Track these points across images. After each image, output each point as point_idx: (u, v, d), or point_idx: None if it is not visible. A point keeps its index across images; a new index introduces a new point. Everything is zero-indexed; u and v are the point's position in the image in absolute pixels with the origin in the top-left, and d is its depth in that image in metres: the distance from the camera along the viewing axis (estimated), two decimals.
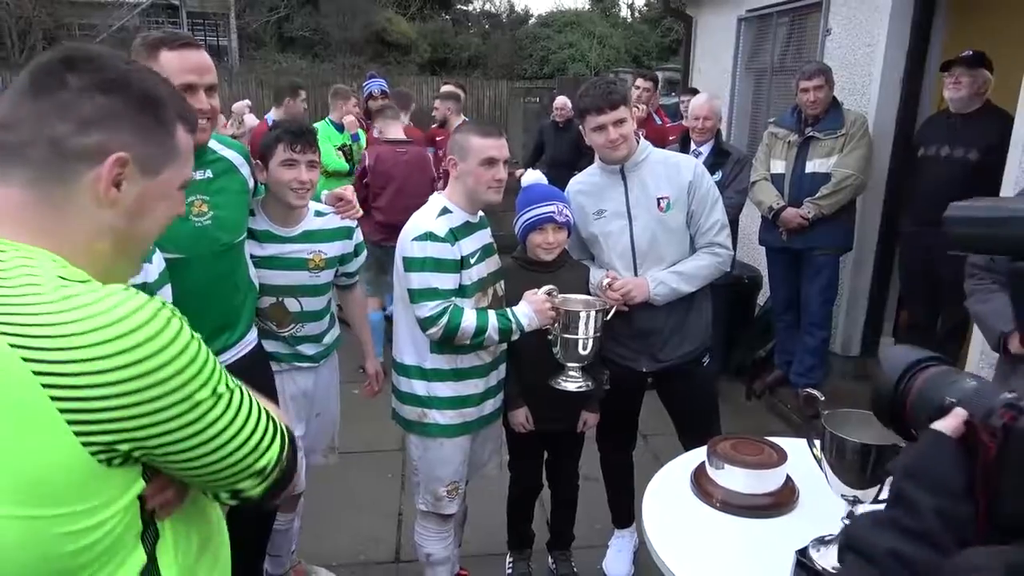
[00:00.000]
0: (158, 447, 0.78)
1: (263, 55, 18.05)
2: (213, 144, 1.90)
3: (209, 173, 1.86)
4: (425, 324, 1.99)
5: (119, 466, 0.76)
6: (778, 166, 3.75)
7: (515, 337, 2.06)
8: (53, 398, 0.70)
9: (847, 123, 3.57)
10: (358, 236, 2.33)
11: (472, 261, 2.06)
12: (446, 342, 2.03)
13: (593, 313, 2.05)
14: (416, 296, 1.99)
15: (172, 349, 0.76)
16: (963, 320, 3.43)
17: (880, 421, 0.90)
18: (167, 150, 0.87)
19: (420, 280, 1.98)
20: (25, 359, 0.70)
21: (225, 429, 0.82)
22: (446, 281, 2.00)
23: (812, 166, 3.62)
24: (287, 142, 2.03)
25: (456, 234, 2.02)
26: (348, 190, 2.30)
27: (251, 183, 2.03)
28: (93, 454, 0.73)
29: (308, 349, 2.25)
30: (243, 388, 0.88)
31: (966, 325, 3.40)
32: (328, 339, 2.32)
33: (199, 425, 0.79)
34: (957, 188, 3.33)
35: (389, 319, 4.92)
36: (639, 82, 4.99)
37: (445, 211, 2.04)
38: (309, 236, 2.17)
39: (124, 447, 0.76)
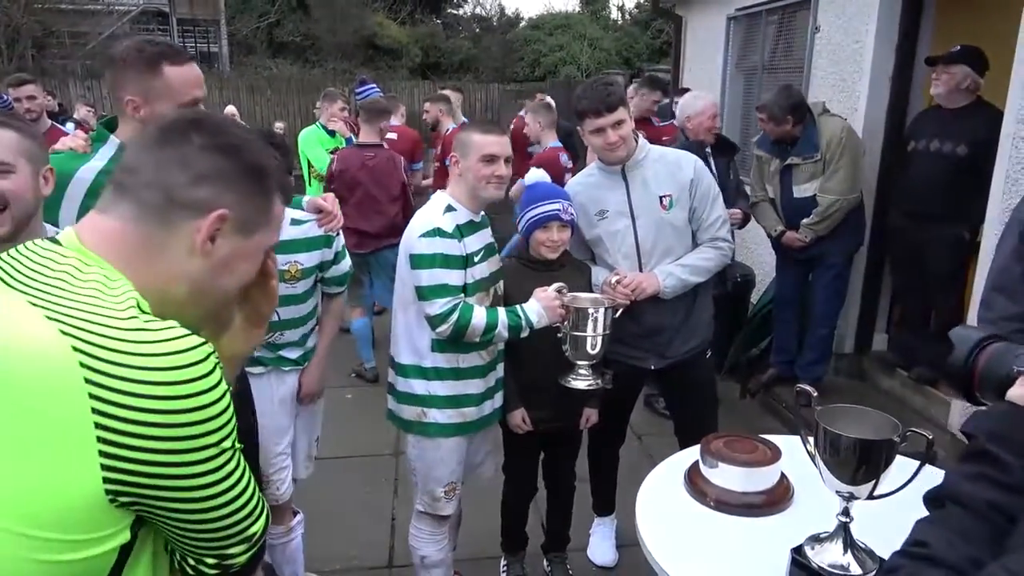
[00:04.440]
0: (169, 492, 0.77)
1: (254, 61, 18.02)
2: None
3: None
4: (435, 321, 1.98)
5: (120, 507, 0.76)
6: (770, 190, 3.78)
7: (524, 334, 2.06)
8: (95, 411, 0.71)
9: (823, 143, 3.54)
10: (339, 243, 2.24)
11: (476, 260, 2.06)
12: (455, 339, 2.01)
13: (603, 311, 2.06)
14: (427, 293, 1.98)
15: (212, 394, 0.77)
16: (955, 314, 3.43)
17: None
18: (264, 216, 0.93)
19: (430, 276, 1.97)
20: (82, 364, 0.72)
21: (233, 486, 0.83)
22: (455, 277, 2.00)
23: (799, 191, 3.64)
24: None
25: (462, 231, 2.03)
26: (329, 198, 2.21)
27: None
28: (108, 488, 0.73)
29: (290, 353, 2.21)
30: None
31: (958, 320, 3.39)
32: (311, 342, 2.28)
33: (214, 476, 0.80)
34: (944, 181, 3.33)
35: (378, 313, 4.92)
36: (645, 93, 4.88)
37: (450, 208, 2.04)
38: (284, 246, 2.07)
39: (137, 480, 0.75)
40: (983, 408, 1.01)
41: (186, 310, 0.89)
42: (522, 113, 4.88)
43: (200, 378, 0.77)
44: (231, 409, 0.81)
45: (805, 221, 3.60)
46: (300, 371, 2.25)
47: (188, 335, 0.79)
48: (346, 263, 2.30)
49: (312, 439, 2.42)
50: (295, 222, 2.12)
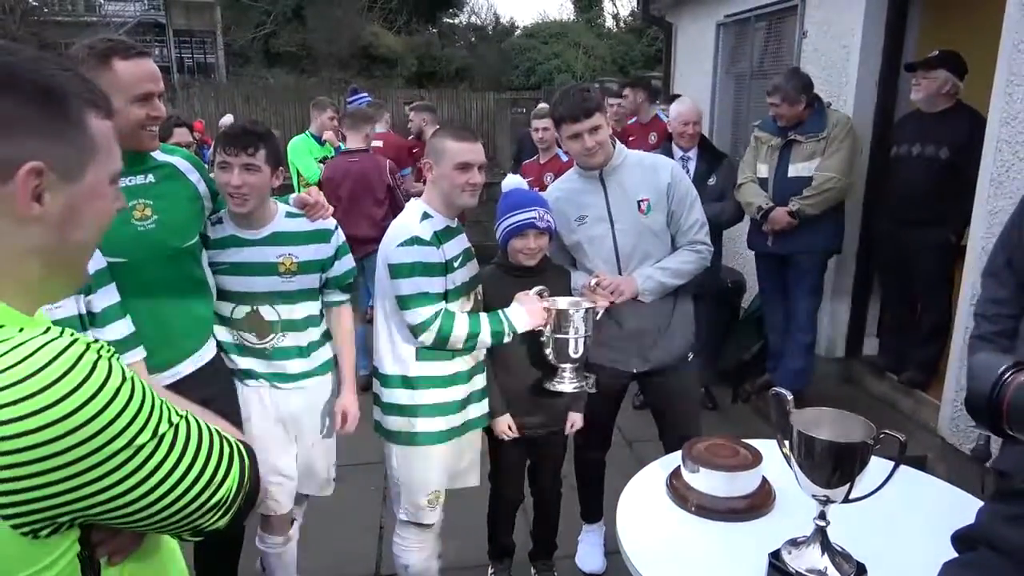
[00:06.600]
0: (100, 507, 0.71)
1: (250, 71, 18.09)
2: (155, 151, 1.86)
3: (151, 178, 1.83)
4: (418, 330, 1.97)
5: (53, 535, 0.70)
6: (762, 170, 3.74)
7: (508, 339, 2.05)
8: None
9: (829, 125, 3.55)
10: (338, 239, 2.14)
11: (455, 265, 2.06)
12: (438, 347, 2.01)
13: (583, 311, 2.05)
14: (407, 302, 1.97)
15: (101, 398, 0.68)
16: (943, 318, 3.43)
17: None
18: (84, 146, 0.77)
19: (410, 286, 1.96)
20: None
21: (172, 471, 0.74)
22: (435, 285, 1.99)
23: (794, 170, 3.60)
24: (222, 145, 1.95)
25: (440, 238, 2.02)
26: (312, 190, 2.17)
27: (203, 188, 1.98)
28: (23, 533, 0.67)
29: (292, 367, 2.09)
30: (189, 417, 0.80)
31: (947, 323, 3.39)
32: (321, 358, 2.17)
33: (142, 473, 0.72)
34: (927, 185, 3.33)
35: (371, 321, 4.90)
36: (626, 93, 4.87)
37: (426, 215, 2.04)
38: (277, 238, 2.04)
39: (64, 519, 0.70)
40: (1018, 445, 0.96)
41: (55, 281, 0.79)
42: (535, 125, 4.24)
43: (76, 389, 0.66)
44: (137, 396, 0.72)
45: (796, 197, 3.55)
46: (302, 389, 2.15)
47: (43, 348, 0.67)
48: (348, 260, 2.19)
49: (330, 464, 2.32)
50: (289, 215, 2.09)
